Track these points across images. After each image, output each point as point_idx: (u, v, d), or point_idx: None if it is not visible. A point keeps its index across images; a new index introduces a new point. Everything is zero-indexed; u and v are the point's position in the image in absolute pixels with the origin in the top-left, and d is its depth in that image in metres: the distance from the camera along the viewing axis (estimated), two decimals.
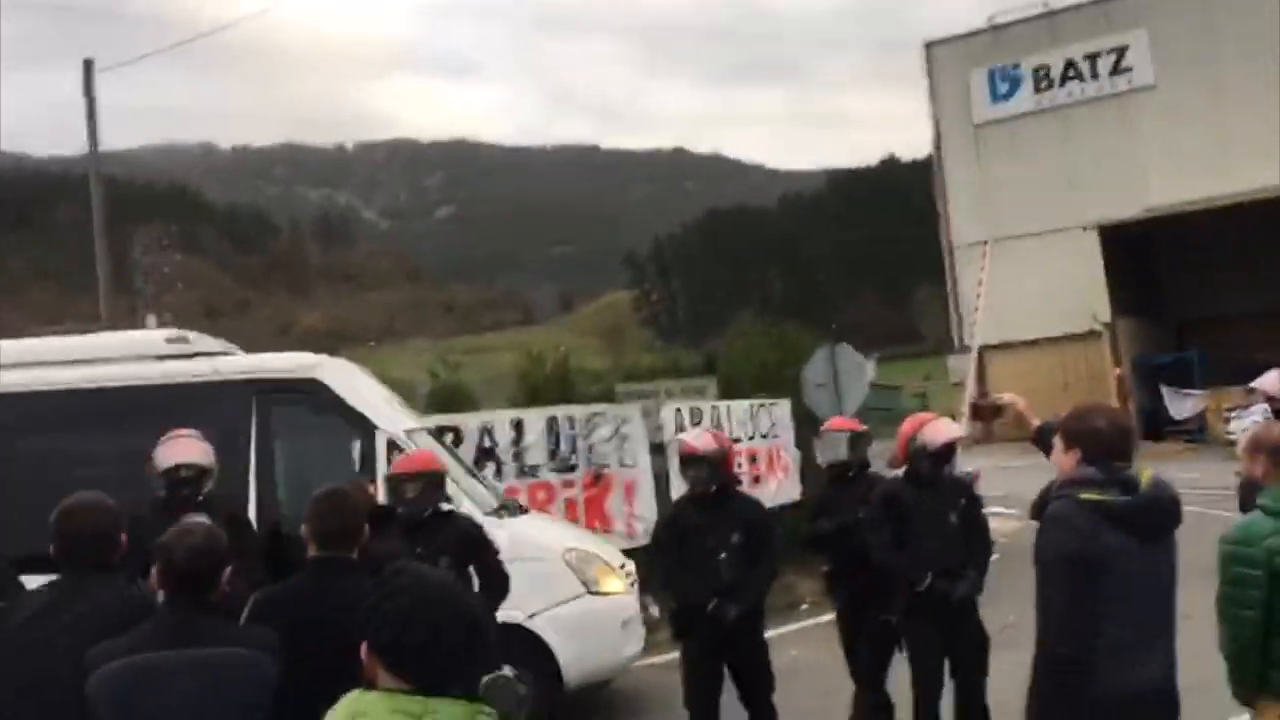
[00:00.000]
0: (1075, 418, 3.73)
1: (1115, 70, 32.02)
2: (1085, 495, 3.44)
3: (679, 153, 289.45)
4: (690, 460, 6.05)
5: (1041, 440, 4.41)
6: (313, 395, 7.80)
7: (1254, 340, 29.50)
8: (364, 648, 2.09)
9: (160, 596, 3.22)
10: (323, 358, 8.34)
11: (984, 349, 31.39)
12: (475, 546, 5.76)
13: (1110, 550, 3.38)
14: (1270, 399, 5.95)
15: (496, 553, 5.88)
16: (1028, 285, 29.92)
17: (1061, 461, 3.65)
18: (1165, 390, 29.02)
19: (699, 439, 6.21)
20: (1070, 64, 32.64)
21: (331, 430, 7.86)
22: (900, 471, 6.06)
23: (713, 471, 5.96)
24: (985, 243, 32.50)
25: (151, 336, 8.62)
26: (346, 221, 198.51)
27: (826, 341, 14.04)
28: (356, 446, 7.66)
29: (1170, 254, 33.74)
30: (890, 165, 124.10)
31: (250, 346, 9.42)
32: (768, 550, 6.00)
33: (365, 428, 7.70)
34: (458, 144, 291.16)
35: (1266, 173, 28.86)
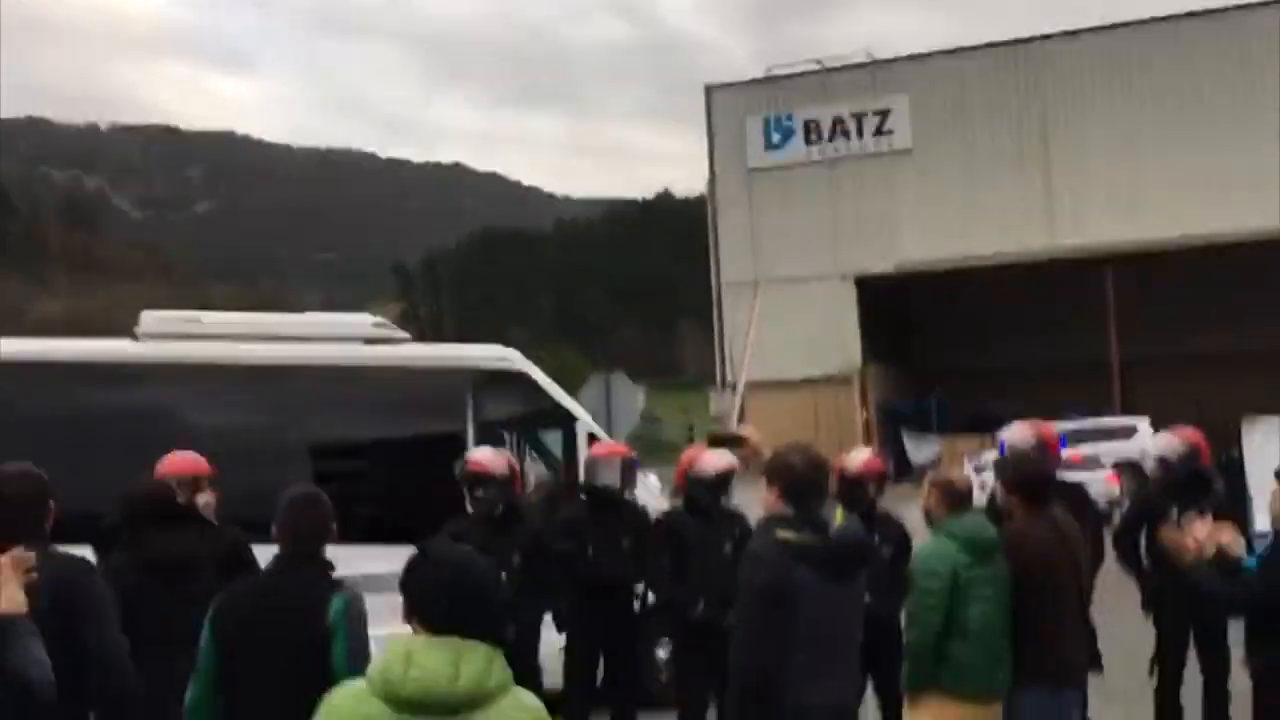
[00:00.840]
0: (775, 456, 4.06)
1: (879, 131, 33.94)
2: (780, 534, 3.76)
3: (458, 169, 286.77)
4: (480, 480, 5.96)
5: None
6: (520, 385, 8.45)
7: (989, 392, 31.90)
8: (404, 608, 2.52)
9: None
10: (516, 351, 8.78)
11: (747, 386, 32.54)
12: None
13: (799, 585, 3.70)
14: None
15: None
16: (789, 328, 31.20)
17: (765, 497, 3.95)
18: (906, 435, 30.87)
19: (491, 459, 6.12)
20: (839, 121, 34.35)
21: (537, 418, 8.76)
22: (679, 501, 6.17)
23: (502, 492, 5.91)
24: (755, 283, 33.77)
25: (360, 319, 8.95)
26: (95, 207, 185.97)
27: (601, 368, 14.18)
28: (560, 434, 8.56)
29: (919, 308, 36.06)
30: (666, 200, 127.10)
31: None
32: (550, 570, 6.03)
33: (566, 417, 8.55)
34: (225, 136, 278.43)
35: (1008, 238, 31.24)
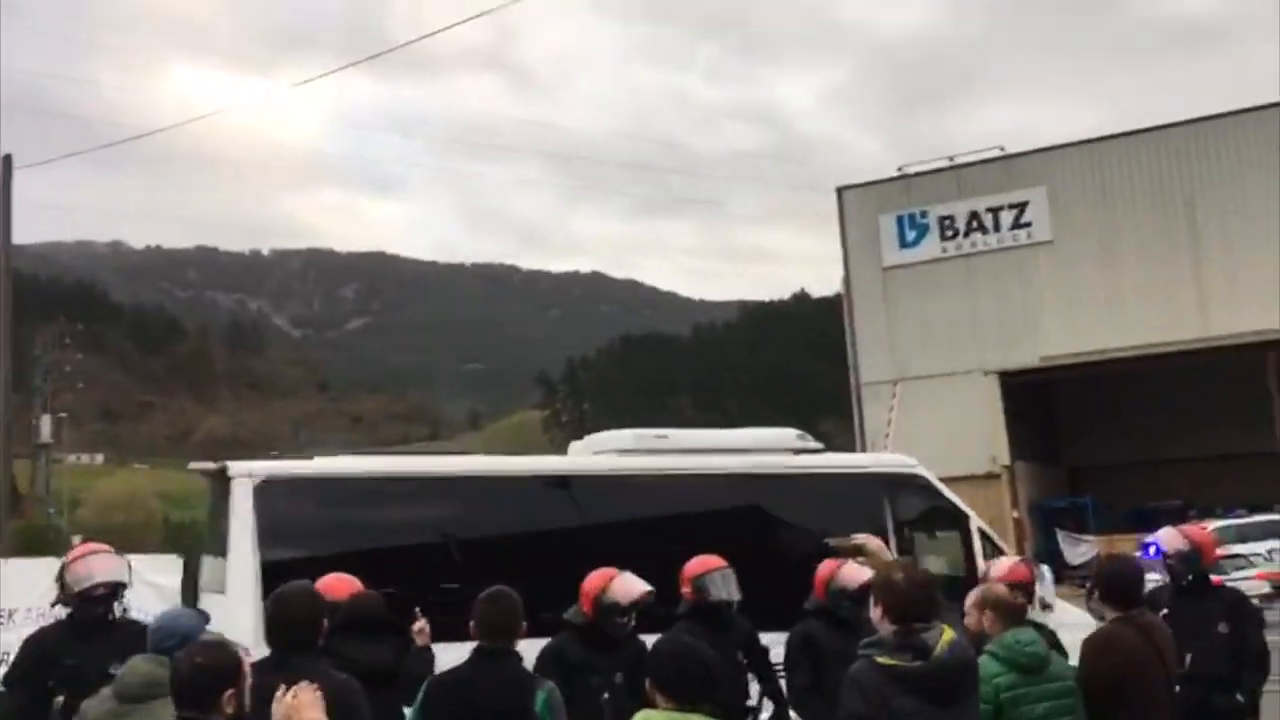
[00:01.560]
0: (880, 573, 4.04)
1: (1016, 224, 33.55)
2: (880, 659, 3.67)
3: (596, 277, 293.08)
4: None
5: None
6: (923, 488, 9.51)
7: (1143, 488, 30.61)
8: (648, 681, 3.30)
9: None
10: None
11: None
12: None
13: (897, 714, 3.58)
14: (1163, 554, 6.27)
15: None
16: (930, 425, 30.69)
17: (873, 614, 3.90)
18: (1060, 534, 29.77)
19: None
20: (974, 215, 34.11)
21: (937, 517, 9.54)
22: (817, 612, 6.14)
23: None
24: (895, 382, 33.38)
25: (784, 433, 10.07)
26: (257, 328, 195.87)
27: None
28: (955, 533, 9.27)
29: (1065, 401, 35.00)
30: (801, 300, 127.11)
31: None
32: None
33: (961, 517, 9.41)
34: (375, 256, 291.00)
35: (1156, 327, 30.27)
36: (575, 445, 10.30)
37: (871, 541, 5.50)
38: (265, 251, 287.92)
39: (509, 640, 4.32)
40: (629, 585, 5.62)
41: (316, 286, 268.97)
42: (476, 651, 4.30)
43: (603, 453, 9.35)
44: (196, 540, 13.32)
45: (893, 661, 3.65)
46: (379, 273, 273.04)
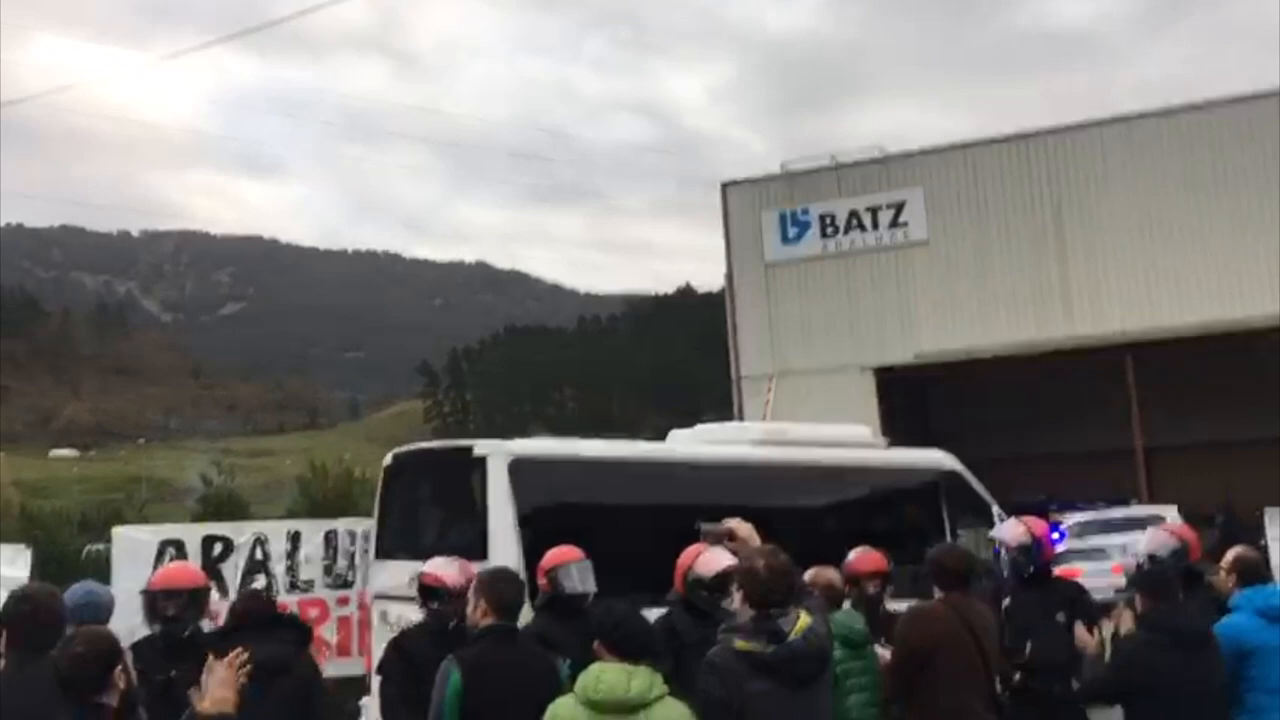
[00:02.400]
0: (741, 560, 4.15)
1: (894, 224, 34.22)
2: (738, 643, 3.76)
3: (481, 267, 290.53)
4: (433, 592, 5.67)
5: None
6: (961, 483, 10.83)
7: (1010, 483, 31.56)
8: (596, 642, 3.77)
9: None
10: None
11: None
12: None
13: (754, 696, 3.67)
14: (1006, 546, 6.42)
15: None
16: (808, 419, 31.16)
17: (734, 598, 4.01)
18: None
19: (446, 569, 5.75)
20: (854, 214, 34.67)
21: (972, 509, 10.73)
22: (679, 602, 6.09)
23: (454, 609, 5.48)
24: (770, 376, 33.79)
25: (859, 429, 11.56)
26: (124, 311, 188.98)
27: None
28: (983, 523, 10.19)
29: (938, 397, 35.96)
30: (686, 294, 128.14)
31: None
32: None
33: (986, 507, 10.77)
34: (252, 240, 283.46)
35: (1025, 328, 31.26)
36: (680, 434, 11.21)
37: (742, 527, 5.48)
38: (135, 233, 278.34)
39: (514, 616, 4.62)
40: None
41: (189, 270, 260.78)
42: (491, 630, 4.47)
43: (739, 444, 10.48)
44: (47, 529, 12.71)
45: (749, 646, 3.73)
46: (256, 257, 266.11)
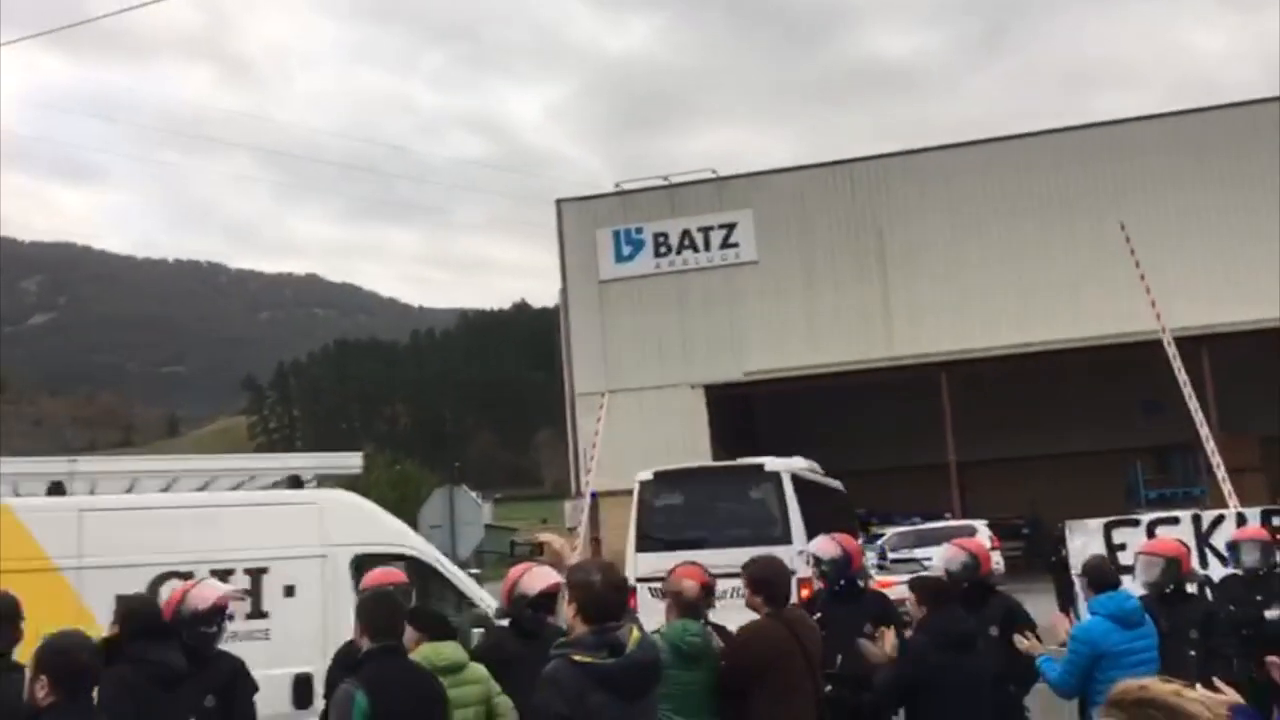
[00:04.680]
0: (574, 572, 4.19)
1: (725, 244, 34.97)
2: (577, 657, 3.79)
3: (311, 279, 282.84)
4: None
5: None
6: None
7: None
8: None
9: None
10: None
11: (599, 495, 32.55)
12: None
13: (593, 709, 3.73)
14: (816, 560, 6.69)
15: None
16: (641, 436, 31.52)
17: (566, 612, 4.07)
18: None
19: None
20: (687, 233, 35.28)
21: None
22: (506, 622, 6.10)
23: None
24: (603, 393, 34.02)
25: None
26: None
27: (446, 482, 14.14)
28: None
29: (765, 414, 36.88)
30: (521, 310, 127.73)
31: None
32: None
33: None
34: (63, 247, 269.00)
35: (849, 347, 32.36)
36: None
37: (555, 541, 5.56)
38: None
39: (398, 638, 4.70)
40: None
41: None
42: (381, 650, 4.50)
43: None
44: None
45: (589, 659, 3.75)
46: (67, 265, 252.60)
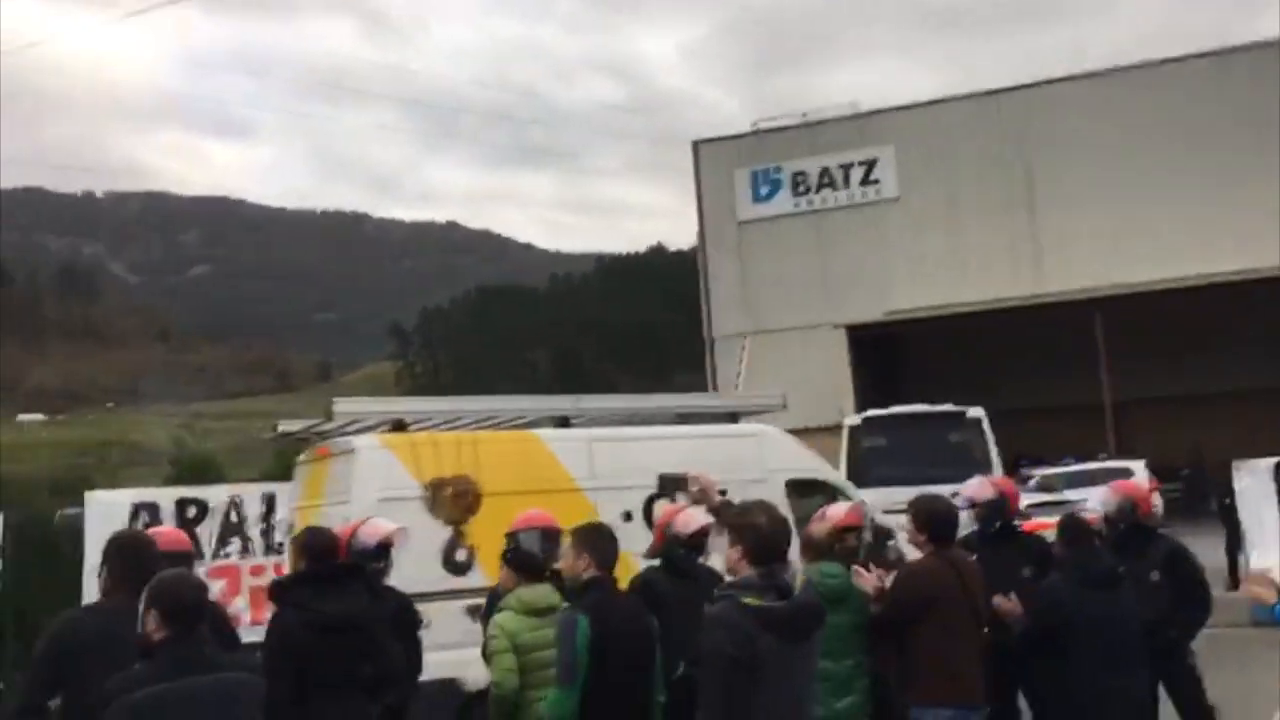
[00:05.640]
0: (739, 514, 4.11)
1: (865, 181, 34.26)
2: (746, 600, 3.73)
3: (451, 227, 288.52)
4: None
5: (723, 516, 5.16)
6: None
7: None
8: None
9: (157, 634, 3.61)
10: None
11: None
12: None
13: (762, 652, 3.69)
14: (973, 503, 6.49)
15: None
16: (782, 378, 31.14)
17: (728, 554, 3.95)
18: None
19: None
20: (825, 171, 34.69)
21: None
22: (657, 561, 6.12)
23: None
24: (745, 335, 33.82)
25: None
26: (91, 274, 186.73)
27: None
28: None
29: (909, 354, 36.13)
30: (657, 253, 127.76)
31: None
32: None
33: None
34: (218, 201, 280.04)
35: (995, 283, 31.41)
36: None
37: (703, 478, 5.53)
38: (99, 194, 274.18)
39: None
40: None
41: (156, 231, 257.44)
42: (600, 580, 4.72)
43: None
44: (18, 493, 12.64)
45: (759, 602, 3.71)
46: (223, 218, 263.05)
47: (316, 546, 5.17)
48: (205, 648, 3.65)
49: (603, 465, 8.53)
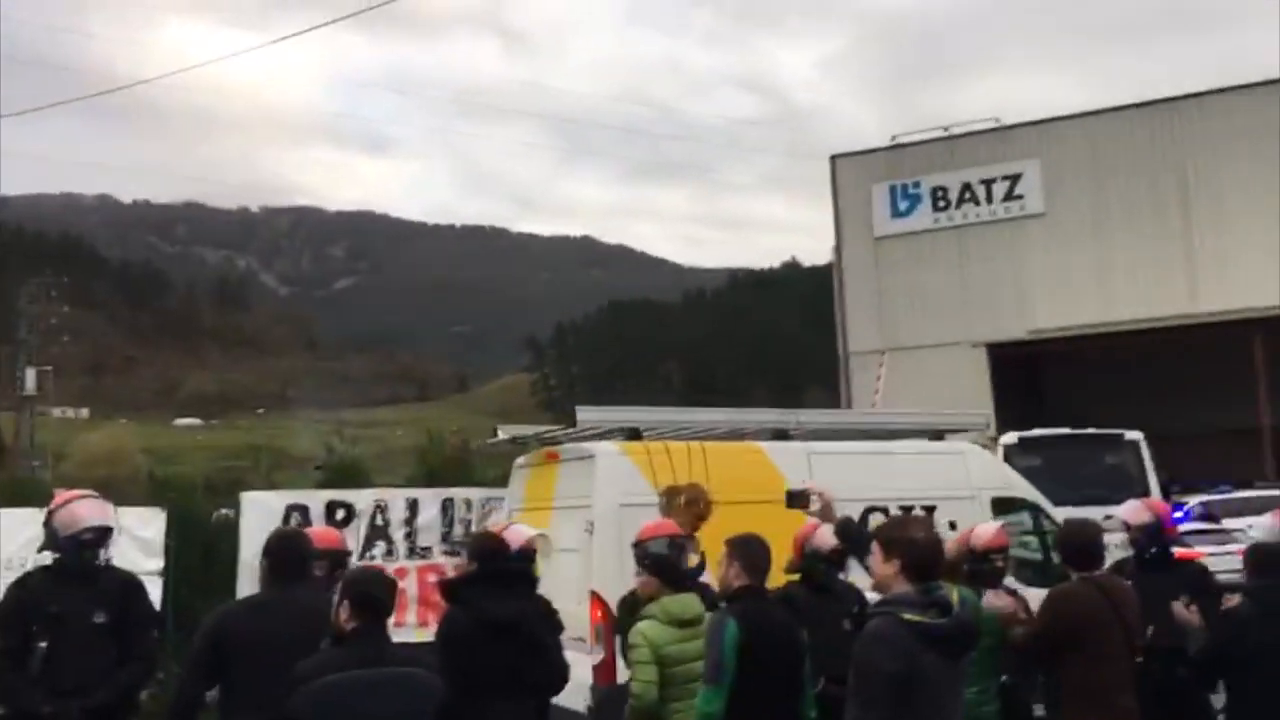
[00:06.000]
0: (893, 527, 4.09)
1: (1009, 196, 33.46)
2: (908, 616, 3.69)
3: (587, 241, 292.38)
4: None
5: (843, 533, 5.29)
6: None
7: None
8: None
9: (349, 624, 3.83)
10: None
11: None
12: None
13: (925, 668, 3.65)
14: (1127, 526, 6.30)
15: None
16: (918, 395, 30.77)
17: (880, 569, 3.90)
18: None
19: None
20: (967, 186, 33.99)
21: None
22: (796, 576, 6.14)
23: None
24: (882, 351, 33.38)
25: None
26: (245, 285, 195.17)
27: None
28: None
29: (1052, 374, 35.10)
30: (792, 268, 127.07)
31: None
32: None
33: None
34: (364, 215, 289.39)
35: (1144, 303, 30.31)
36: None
37: (827, 493, 5.51)
38: (254, 208, 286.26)
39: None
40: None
41: (305, 244, 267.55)
42: (752, 589, 4.79)
43: None
44: (183, 495, 13.26)
45: (920, 618, 3.69)
46: (368, 231, 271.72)
47: (485, 549, 5.27)
48: (390, 642, 3.83)
49: (820, 478, 8.48)
